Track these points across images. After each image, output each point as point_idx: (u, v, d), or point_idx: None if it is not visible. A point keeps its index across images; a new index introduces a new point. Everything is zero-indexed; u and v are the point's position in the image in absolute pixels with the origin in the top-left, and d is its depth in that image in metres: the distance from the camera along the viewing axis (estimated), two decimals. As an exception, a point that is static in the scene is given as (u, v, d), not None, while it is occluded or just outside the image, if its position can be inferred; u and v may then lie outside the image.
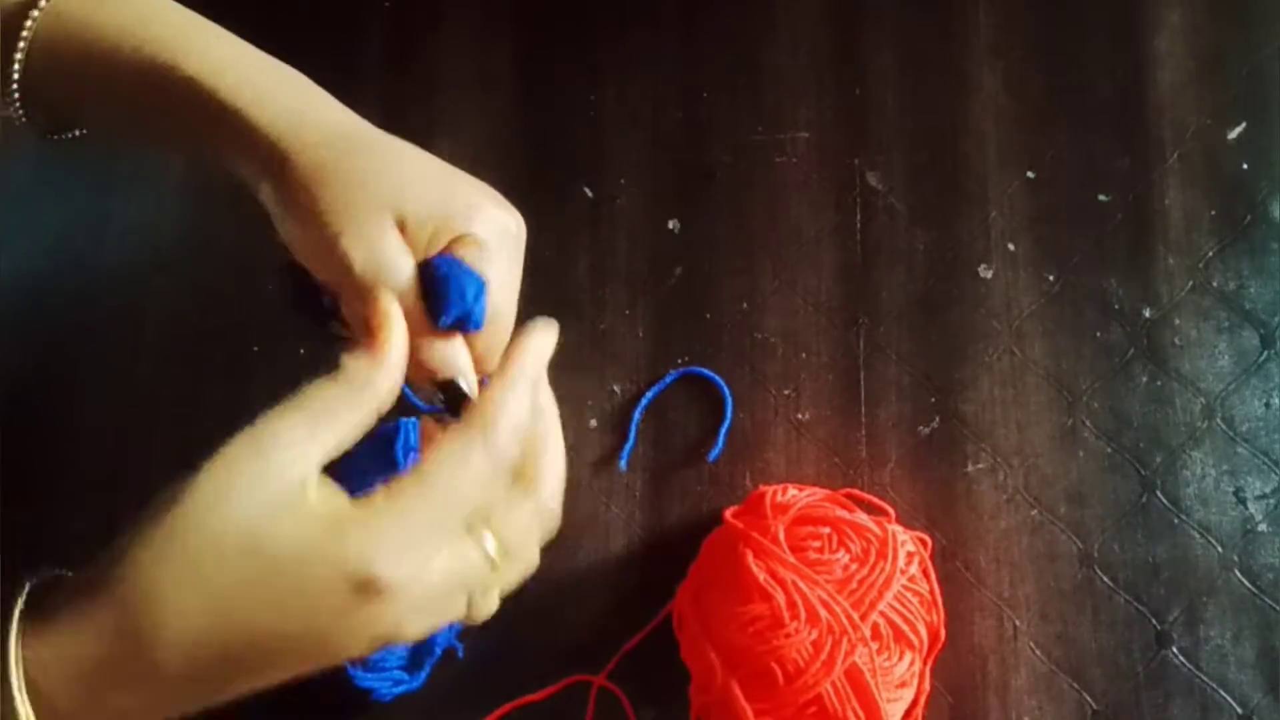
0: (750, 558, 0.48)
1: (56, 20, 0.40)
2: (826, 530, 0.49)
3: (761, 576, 0.47)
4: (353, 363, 0.34)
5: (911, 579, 0.49)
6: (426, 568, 0.32)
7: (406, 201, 0.38)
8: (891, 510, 0.54)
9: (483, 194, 0.41)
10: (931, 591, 0.51)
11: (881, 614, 0.47)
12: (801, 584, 0.47)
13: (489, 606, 0.35)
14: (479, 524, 0.34)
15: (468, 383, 0.39)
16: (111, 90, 0.41)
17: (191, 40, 0.40)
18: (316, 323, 0.42)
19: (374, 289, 0.37)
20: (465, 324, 0.38)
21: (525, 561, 0.36)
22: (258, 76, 0.40)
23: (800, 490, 0.52)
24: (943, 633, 0.51)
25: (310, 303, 0.41)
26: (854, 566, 0.48)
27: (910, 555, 0.50)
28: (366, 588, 0.31)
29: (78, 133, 0.45)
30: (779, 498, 0.51)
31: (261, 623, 0.31)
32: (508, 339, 0.39)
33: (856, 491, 0.54)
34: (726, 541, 0.50)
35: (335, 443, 0.33)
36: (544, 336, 0.36)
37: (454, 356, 0.38)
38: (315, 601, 0.31)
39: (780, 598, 0.46)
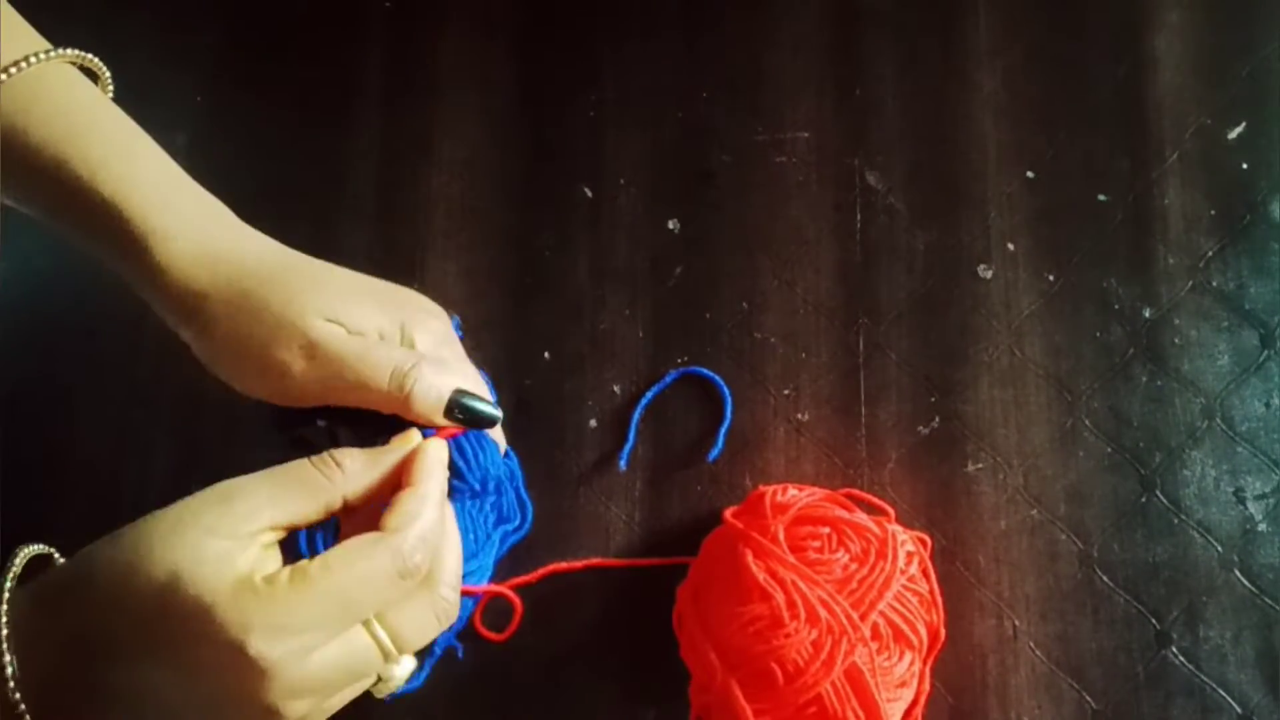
0: (750, 558, 0.48)
1: None
2: (826, 530, 0.49)
3: (761, 576, 0.47)
4: (348, 461, 0.37)
5: (911, 579, 0.49)
6: (306, 654, 0.33)
7: (341, 315, 0.40)
8: (891, 510, 0.54)
9: (410, 303, 0.43)
10: (931, 591, 0.51)
11: (881, 614, 0.47)
12: (801, 584, 0.47)
13: (391, 686, 0.38)
14: (372, 619, 0.35)
15: (472, 400, 0.43)
16: (32, 194, 0.41)
17: (113, 164, 0.40)
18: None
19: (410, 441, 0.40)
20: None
21: (419, 646, 0.37)
22: (176, 206, 0.40)
23: (800, 490, 0.52)
24: (942, 632, 0.51)
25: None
26: (854, 566, 0.48)
27: (910, 555, 0.50)
28: (239, 659, 0.32)
29: None
30: (779, 498, 0.51)
31: (164, 669, 0.32)
32: (478, 381, 0.44)
33: (856, 491, 0.54)
34: (726, 541, 0.50)
35: (294, 511, 0.35)
36: (442, 453, 0.40)
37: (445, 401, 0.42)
38: (202, 659, 0.32)
39: (780, 597, 0.46)
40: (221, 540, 0.33)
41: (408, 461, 0.38)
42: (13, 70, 0.39)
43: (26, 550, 0.35)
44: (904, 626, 0.48)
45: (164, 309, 0.41)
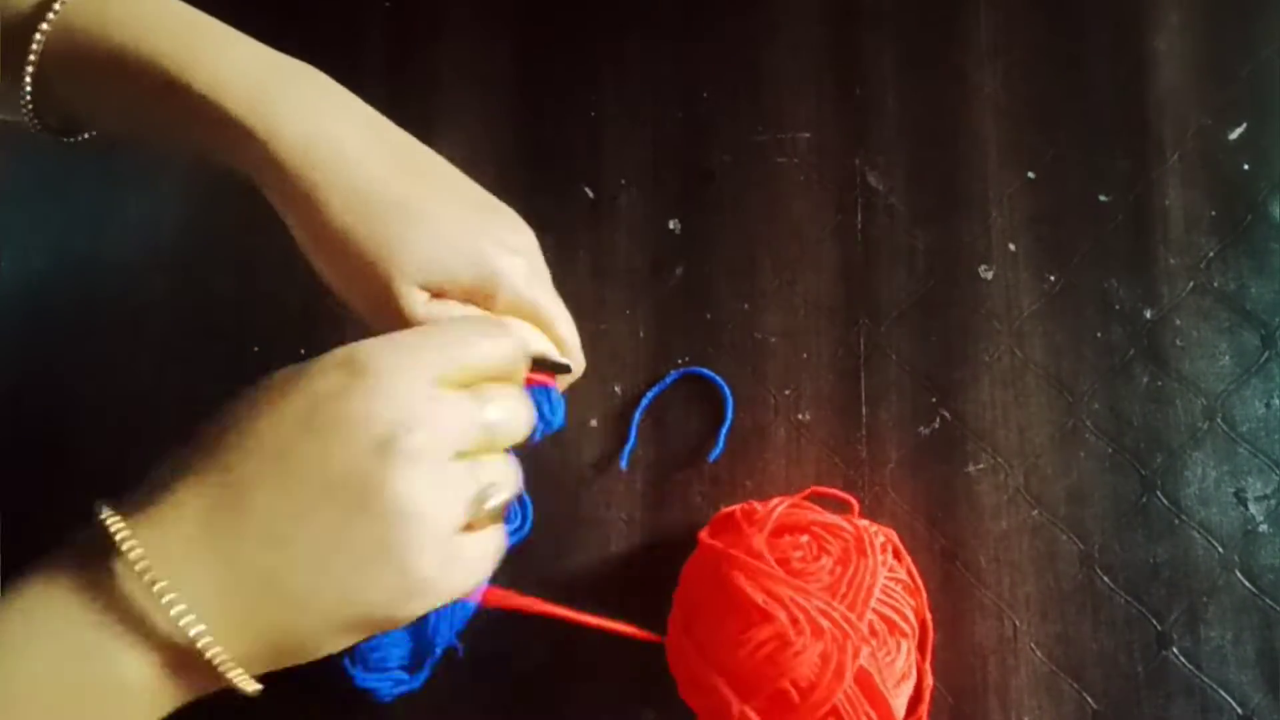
0: (743, 579, 0.47)
1: (67, 31, 0.40)
2: (805, 538, 0.49)
3: (760, 598, 0.46)
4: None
5: (891, 568, 0.49)
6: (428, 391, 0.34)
7: (432, 275, 0.41)
8: (855, 502, 0.53)
9: (500, 241, 0.44)
10: (910, 574, 0.51)
11: (873, 610, 0.47)
12: (799, 598, 0.46)
13: (499, 495, 0.36)
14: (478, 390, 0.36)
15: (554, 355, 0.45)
16: (124, 102, 0.41)
17: (201, 53, 0.40)
18: None
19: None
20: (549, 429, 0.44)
21: (512, 436, 0.37)
22: (273, 90, 0.40)
23: (764, 504, 0.51)
24: (929, 616, 0.51)
25: None
26: (839, 569, 0.48)
27: (884, 545, 0.50)
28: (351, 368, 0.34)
29: (87, 135, 0.45)
30: (751, 513, 0.51)
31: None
32: (568, 323, 0.46)
33: (819, 489, 0.54)
34: (708, 564, 0.49)
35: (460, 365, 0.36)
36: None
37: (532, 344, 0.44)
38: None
39: (782, 616, 0.46)
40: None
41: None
42: None
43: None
44: (895, 617, 0.48)
45: (273, 197, 0.41)
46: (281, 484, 0.32)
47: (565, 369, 0.46)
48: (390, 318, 0.41)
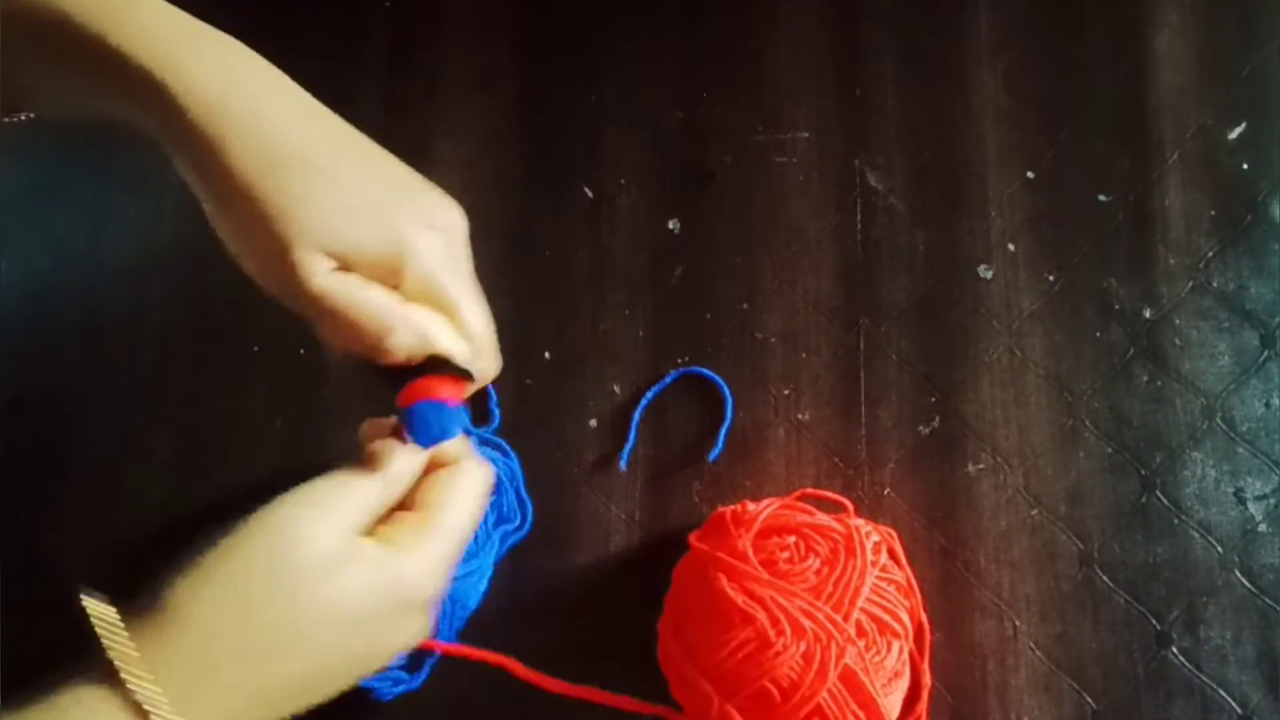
0: (724, 581, 0.47)
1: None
2: (792, 539, 0.49)
3: (739, 599, 0.47)
4: (384, 455, 0.40)
5: (884, 569, 0.49)
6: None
7: (335, 240, 0.39)
8: (849, 504, 0.53)
9: (417, 216, 0.41)
10: (906, 576, 0.51)
11: (863, 610, 0.47)
12: (780, 599, 0.47)
13: None
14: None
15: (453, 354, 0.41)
16: (36, 63, 0.40)
17: (116, 9, 0.39)
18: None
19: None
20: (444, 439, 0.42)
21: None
22: (186, 46, 0.39)
23: (757, 504, 0.51)
24: (924, 617, 0.51)
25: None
26: (825, 570, 0.48)
27: (877, 545, 0.50)
28: (417, 606, 0.39)
29: (23, 117, 0.44)
30: (740, 515, 0.51)
31: (316, 655, 0.37)
32: (479, 315, 0.42)
33: (810, 490, 0.54)
34: (696, 567, 0.50)
35: (358, 529, 0.39)
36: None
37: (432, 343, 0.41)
38: (374, 628, 0.38)
39: (762, 617, 0.46)
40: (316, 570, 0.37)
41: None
42: None
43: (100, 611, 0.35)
44: (886, 618, 0.48)
45: (181, 159, 0.39)
46: (241, 624, 0.36)
47: (467, 375, 0.41)
48: (290, 288, 0.38)
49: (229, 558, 0.36)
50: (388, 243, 0.39)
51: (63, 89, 0.42)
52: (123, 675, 0.33)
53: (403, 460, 0.40)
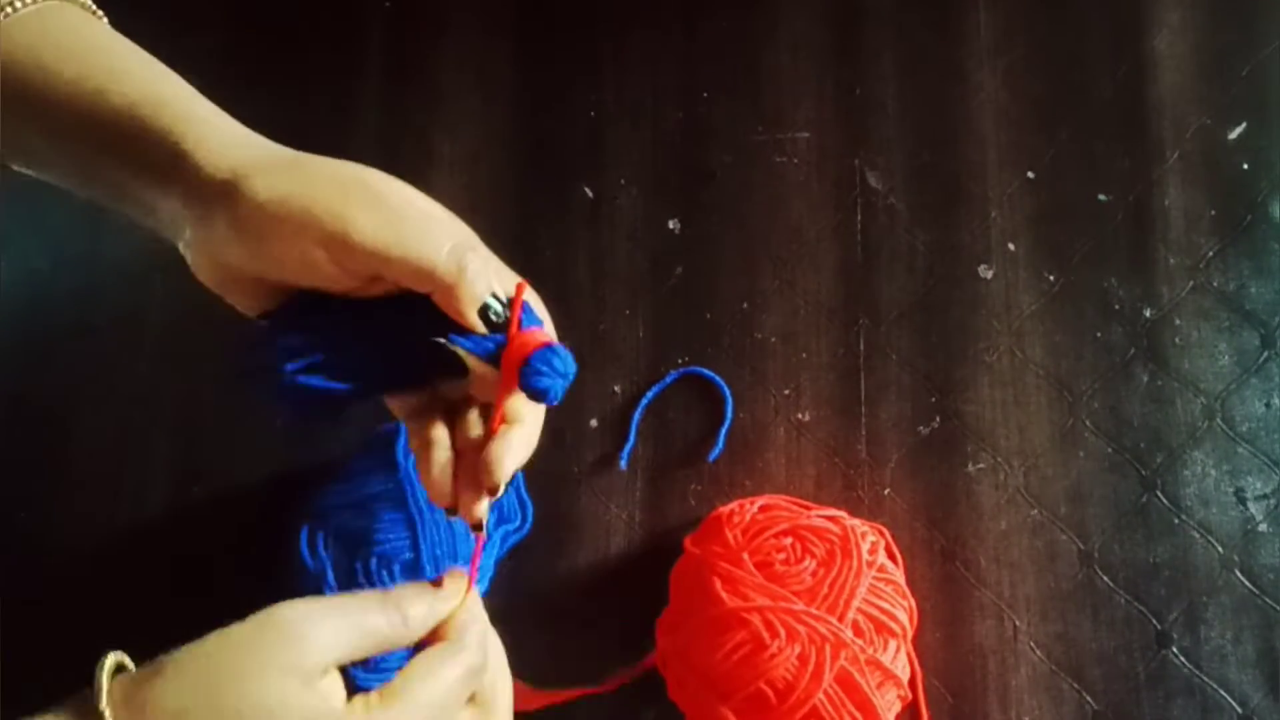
0: (719, 585, 0.48)
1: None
2: (789, 541, 0.49)
3: (734, 603, 0.47)
4: (412, 609, 0.38)
5: (881, 569, 0.49)
6: None
7: (353, 233, 0.37)
8: (844, 513, 0.53)
9: (430, 228, 0.38)
10: (905, 574, 0.51)
11: (859, 610, 0.47)
12: (775, 602, 0.47)
13: None
14: None
15: (498, 304, 0.38)
16: (45, 119, 0.40)
17: (136, 71, 0.39)
18: (314, 409, 0.39)
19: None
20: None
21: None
22: (200, 108, 0.39)
23: (752, 503, 0.51)
24: (918, 616, 0.51)
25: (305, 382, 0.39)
26: (821, 571, 0.48)
27: (874, 545, 0.50)
28: None
29: None
30: (735, 518, 0.51)
31: None
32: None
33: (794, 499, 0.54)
34: (692, 570, 0.50)
35: (357, 654, 0.37)
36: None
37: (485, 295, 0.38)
38: None
39: (756, 620, 0.46)
40: (298, 679, 0.35)
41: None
42: (19, 5, 0.39)
43: (111, 662, 0.35)
44: (883, 618, 0.48)
45: (189, 197, 0.38)
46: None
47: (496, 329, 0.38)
48: (406, 274, 0.37)
49: (210, 662, 0.35)
50: (453, 254, 0.38)
51: (60, 155, 0.41)
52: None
53: (425, 607, 0.39)
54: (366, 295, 0.39)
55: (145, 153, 0.38)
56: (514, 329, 0.38)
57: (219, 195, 0.38)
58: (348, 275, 0.38)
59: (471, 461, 0.39)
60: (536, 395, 0.38)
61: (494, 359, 0.38)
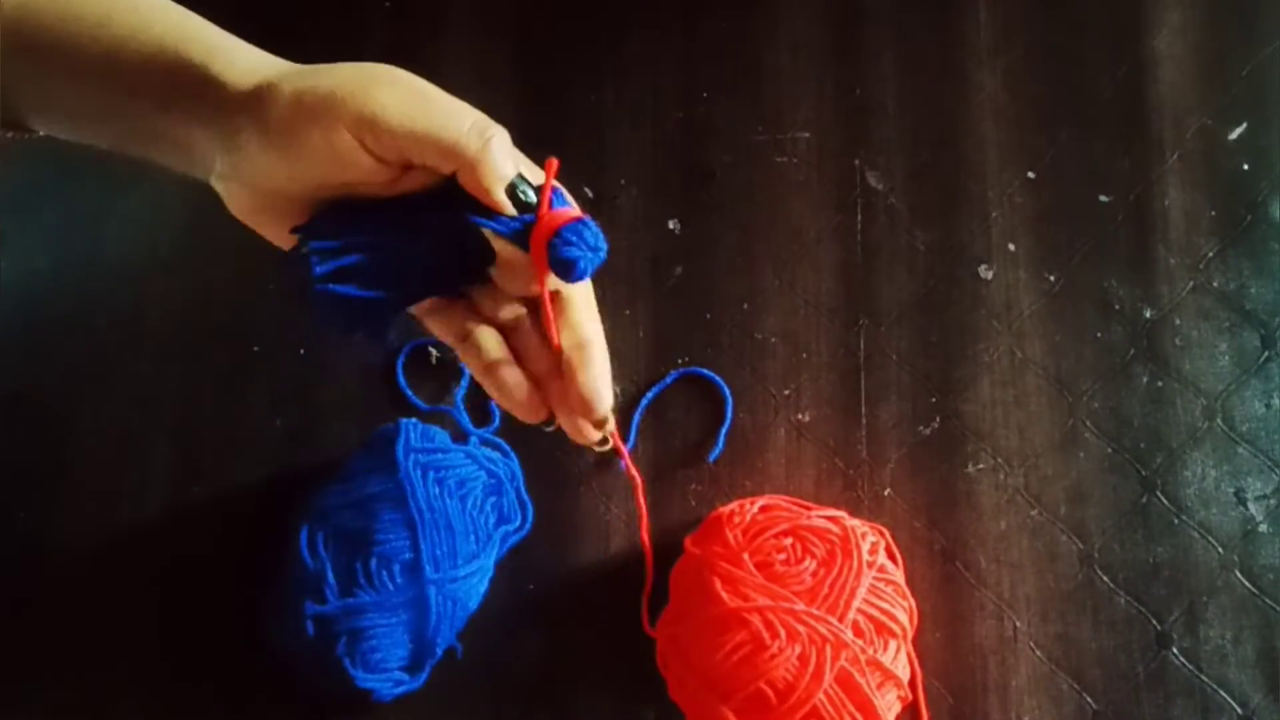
0: (719, 585, 0.47)
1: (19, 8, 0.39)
2: (789, 541, 0.49)
3: (734, 603, 0.47)
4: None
5: (881, 569, 0.49)
6: None
7: (379, 111, 0.37)
8: (844, 513, 0.53)
9: (454, 107, 0.40)
10: (904, 574, 0.51)
11: (859, 610, 0.47)
12: (775, 602, 0.47)
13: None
14: None
15: (527, 185, 0.38)
16: (74, 67, 0.40)
17: (160, 10, 0.40)
18: (362, 320, 0.38)
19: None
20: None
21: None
22: (227, 39, 0.40)
23: (753, 503, 0.51)
24: (918, 616, 0.51)
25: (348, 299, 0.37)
26: (821, 571, 0.48)
27: (874, 546, 0.50)
28: None
29: (10, 134, 0.44)
30: (735, 518, 0.51)
31: None
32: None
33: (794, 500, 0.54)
34: (692, 570, 0.50)
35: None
36: None
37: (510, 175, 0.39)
38: None
39: (757, 620, 0.46)
40: None
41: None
42: None
43: None
44: (883, 618, 0.48)
45: (220, 116, 0.38)
46: None
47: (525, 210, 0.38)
48: (438, 156, 0.37)
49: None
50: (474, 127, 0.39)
51: (103, 114, 0.42)
52: None
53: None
54: (398, 193, 0.39)
55: (177, 87, 0.39)
56: (544, 207, 0.37)
57: (248, 105, 0.38)
58: (377, 165, 0.38)
59: (545, 380, 0.40)
60: (565, 267, 0.36)
61: (522, 239, 0.37)
